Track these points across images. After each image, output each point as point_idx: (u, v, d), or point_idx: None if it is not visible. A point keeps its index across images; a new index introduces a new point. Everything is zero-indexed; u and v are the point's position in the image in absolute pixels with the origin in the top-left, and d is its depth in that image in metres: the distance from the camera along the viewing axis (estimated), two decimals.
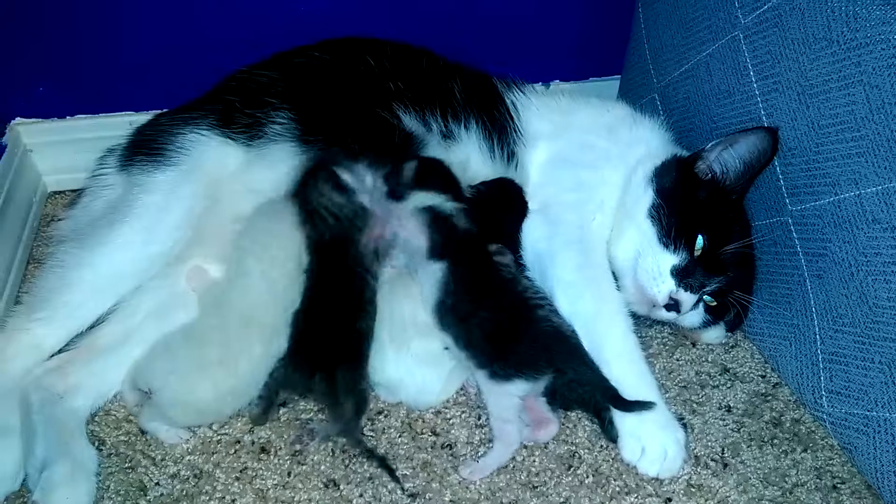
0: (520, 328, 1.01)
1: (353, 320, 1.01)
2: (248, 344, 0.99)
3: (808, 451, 1.02)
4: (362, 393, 1.00)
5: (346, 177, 1.10)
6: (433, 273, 1.06)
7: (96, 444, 0.99)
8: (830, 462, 1.01)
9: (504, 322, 1.01)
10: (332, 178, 1.09)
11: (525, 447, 1.01)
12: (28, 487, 0.91)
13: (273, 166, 1.16)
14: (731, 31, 1.15)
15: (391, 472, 0.97)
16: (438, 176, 1.13)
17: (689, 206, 1.10)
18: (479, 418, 1.05)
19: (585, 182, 1.18)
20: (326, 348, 0.98)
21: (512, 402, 1.00)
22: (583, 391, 1.01)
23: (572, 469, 0.99)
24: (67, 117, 1.45)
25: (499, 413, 1.00)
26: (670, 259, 1.07)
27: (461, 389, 1.09)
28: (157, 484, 0.96)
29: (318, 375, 0.97)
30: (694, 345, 1.19)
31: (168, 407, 0.98)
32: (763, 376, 1.14)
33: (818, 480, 0.99)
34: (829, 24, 0.97)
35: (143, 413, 1.02)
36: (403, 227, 1.10)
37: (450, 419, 1.05)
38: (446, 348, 1.05)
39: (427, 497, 0.95)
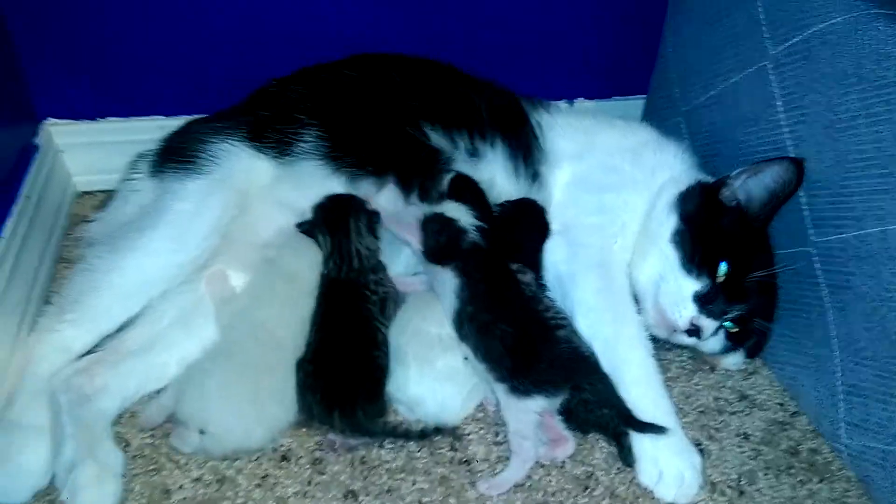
0: (540, 345, 1.02)
1: (370, 357, 1.03)
2: (287, 371, 1.01)
3: (825, 482, 1.03)
4: (383, 424, 1.02)
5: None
6: (446, 282, 1.08)
7: (122, 445, 1.01)
8: (847, 494, 1.02)
9: (525, 337, 1.02)
10: (372, 222, 1.12)
11: (542, 467, 1.02)
12: (56, 486, 0.93)
13: (302, 182, 1.18)
14: (760, 61, 1.16)
15: (449, 433, 1.03)
16: (472, 192, 1.15)
17: (712, 232, 1.11)
18: (497, 435, 1.06)
19: (608, 205, 1.20)
20: (343, 389, 1.00)
21: (530, 417, 1.01)
22: (599, 413, 1.02)
23: (588, 490, 1.00)
24: (99, 119, 1.47)
25: (517, 428, 1.01)
26: (693, 285, 1.08)
27: (479, 406, 1.11)
28: (181, 487, 0.97)
29: (337, 413, 0.99)
30: (713, 370, 1.20)
31: (217, 448, 0.98)
32: (781, 404, 1.15)
33: None
34: (860, 61, 0.98)
35: (174, 435, 1.00)
36: (408, 226, 1.13)
37: (468, 435, 1.06)
38: (466, 358, 1.06)
39: None
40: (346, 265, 1.11)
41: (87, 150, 1.47)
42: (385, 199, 1.18)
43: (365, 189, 1.19)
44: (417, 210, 1.16)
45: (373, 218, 1.14)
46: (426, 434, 1.03)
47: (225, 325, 1.09)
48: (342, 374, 1.00)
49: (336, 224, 1.13)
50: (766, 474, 1.04)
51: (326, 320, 1.06)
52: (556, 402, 1.02)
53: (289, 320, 1.07)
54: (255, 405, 0.97)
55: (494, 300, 1.06)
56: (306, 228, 1.16)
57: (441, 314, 1.09)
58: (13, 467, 0.94)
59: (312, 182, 1.17)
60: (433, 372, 1.06)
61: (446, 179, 1.16)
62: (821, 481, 1.03)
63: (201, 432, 0.96)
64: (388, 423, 1.03)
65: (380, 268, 1.14)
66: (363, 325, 1.06)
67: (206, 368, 1.00)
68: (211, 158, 1.18)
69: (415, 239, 1.12)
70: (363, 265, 1.11)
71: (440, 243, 1.10)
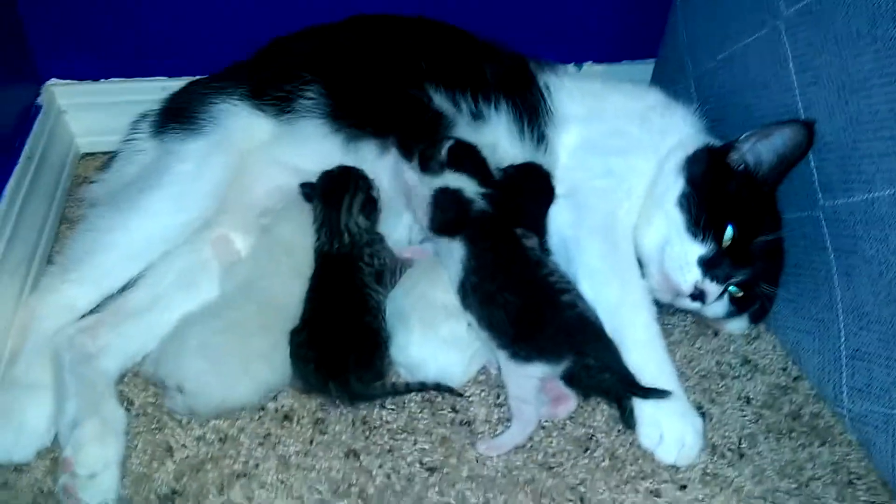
0: (545, 313, 1.02)
1: (361, 322, 1.02)
2: (280, 335, 1.01)
3: (826, 446, 1.03)
4: (381, 387, 1.02)
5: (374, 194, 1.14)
6: (453, 251, 1.08)
7: (125, 404, 1.01)
8: (847, 457, 1.02)
9: (529, 306, 1.02)
10: (367, 204, 1.12)
11: (543, 428, 1.03)
12: (59, 443, 0.94)
13: (301, 141, 1.17)
14: (773, 22, 1.14)
15: (448, 390, 1.04)
16: (471, 160, 1.14)
17: (719, 196, 1.09)
18: (498, 397, 1.06)
19: (615, 169, 1.18)
20: (336, 357, 0.99)
21: (531, 382, 1.01)
22: (601, 378, 1.02)
23: (589, 452, 1.00)
24: (102, 80, 1.46)
25: (517, 393, 1.01)
26: (698, 249, 1.07)
27: (482, 369, 1.11)
28: (183, 445, 0.98)
29: (332, 384, 0.99)
30: (716, 334, 1.19)
31: (201, 406, 0.97)
32: (784, 369, 1.14)
33: (834, 475, 0.99)
34: (874, 21, 0.95)
35: (166, 396, 1.00)
36: (416, 200, 1.13)
37: (469, 397, 1.06)
38: (469, 325, 1.06)
39: (444, 471, 0.97)
40: (336, 240, 1.11)
41: (89, 111, 1.46)
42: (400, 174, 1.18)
43: (365, 150, 1.18)
44: (424, 187, 1.15)
45: (369, 202, 1.13)
46: (425, 387, 1.03)
47: (227, 286, 1.09)
48: (333, 342, 1.00)
49: (331, 196, 1.12)
50: (766, 437, 1.04)
51: (318, 292, 1.06)
52: (559, 368, 1.01)
53: (290, 285, 1.07)
54: (236, 364, 0.98)
55: (500, 269, 1.05)
56: (307, 192, 1.15)
57: (448, 281, 1.09)
58: (17, 425, 0.95)
59: (312, 141, 1.17)
60: (436, 336, 1.06)
61: (444, 148, 1.14)
62: (822, 445, 1.03)
63: (179, 390, 0.96)
64: (385, 384, 1.03)
65: (376, 240, 1.13)
66: (355, 293, 1.05)
67: (188, 327, 1.01)
68: (211, 119, 1.17)
69: (425, 217, 1.11)
70: (354, 241, 1.10)
71: (449, 218, 1.09)
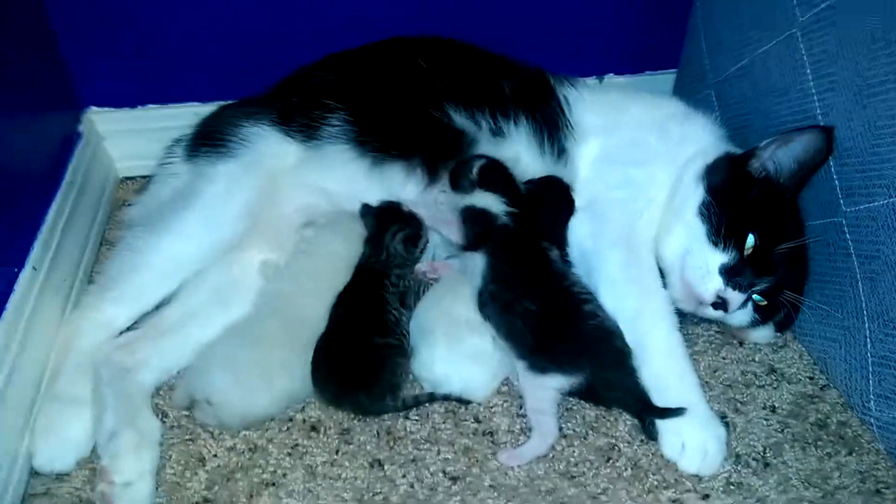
0: (565, 324, 1.03)
1: (372, 340, 1.05)
2: (304, 347, 1.05)
3: (853, 455, 1.02)
4: (392, 401, 1.04)
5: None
6: (477, 263, 1.10)
7: (160, 416, 1.05)
8: (875, 466, 1.00)
9: (548, 315, 1.03)
10: (409, 240, 1.16)
11: (565, 437, 1.03)
12: (97, 454, 0.98)
13: (328, 165, 1.21)
14: (789, 29, 1.14)
15: (459, 400, 1.06)
16: (502, 179, 1.17)
17: (740, 204, 1.09)
18: (521, 408, 1.07)
19: (634, 180, 1.19)
20: (344, 371, 1.03)
21: (549, 394, 1.02)
22: (616, 394, 1.03)
23: (611, 461, 1.01)
24: (138, 107, 1.52)
25: (534, 404, 1.02)
26: (719, 257, 1.07)
27: (505, 379, 1.12)
28: (215, 456, 1.01)
29: (345, 400, 1.03)
30: (741, 344, 1.19)
31: (227, 417, 1.02)
32: (811, 378, 1.13)
33: (861, 484, 0.98)
34: (888, 24, 0.95)
35: (196, 408, 1.04)
36: (447, 224, 1.15)
37: (492, 407, 1.08)
38: (493, 337, 1.08)
39: (467, 481, 0.98)
40: (375, 255, 1.15)
41: (127, 137, 1.52)
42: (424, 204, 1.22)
43: (390, 173, 1.22)
44: (452, 207, 1.18)
45: (412, 238, 1.17)
46: (434, 398, 1.06)
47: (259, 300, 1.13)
48: (343, 356, 1.04)
49: (383, 218, 1.17)
50: (792, 447, 1.03)
51: (343, 304, 1.10)
52: (575, 381, 1.01)
53: (318, 300, 1.10)
54: (259, 376, 1.01)
55: (518, 278, 1.07)
56: (363, 210, 1.20)
57: (471, 298, 1.11)
58: (59, 437, 1.00)
59: (338, 165, 1.21)
60: (460, 352, 1.07)
61: (476, 167, 1.17)
62: (849, 454, 1.02)
63: (208, 403, 1.00)
64: (396, 398, 1.05)
65: (406, 265, 1.17)
66: (375, 309, 1.09)
67: (217, 343, 1.05)
68: (241, 142, 1.21)
69: (456, 235, 1.15)
70: (389, 261, 1.15)
71: (477, 233, 1.12)
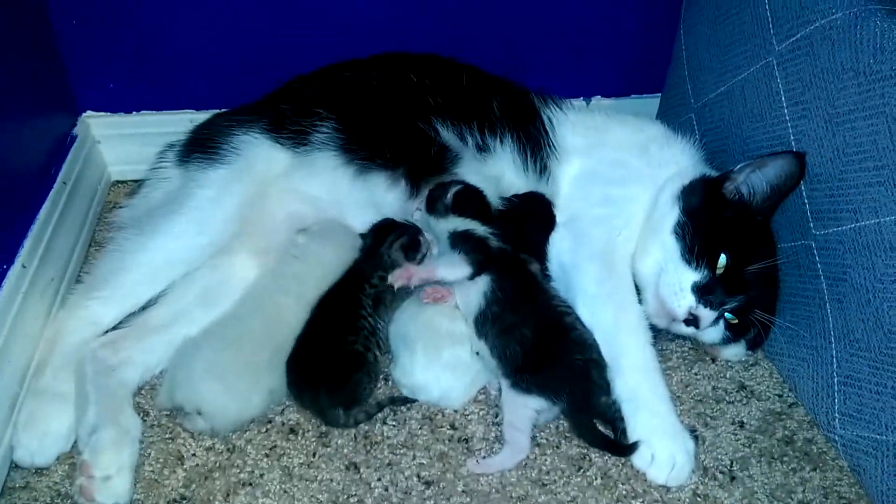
0: (556, 353, 1.05)
1: (342, 344, 1.07)
2: (284, 346, 1.07)
3: (818, 471, 1.04)
4: (351, 414, 1.06)
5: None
6: (477, 283, 1.11)
7: (141, 414, 1.07)
8: (839, 482, 1.03)
9: (542, 342, 1.05)
10: (408, 247, 1.18)
11: (538, 446, 1.06)
12: (78, 448, 1.00)
13: (316, 172, 1.24)
14: (766, 57, 1.18)
15: (405, 401, 1.09)
16: (475, 205, 1.19)
17: (714, 225, 1.13)
18: (496, 416, 1.10)
19: (614, 198, 1.23)
20: (313, 369, 1.05)
21: (527, 413, 1.04)
22: (598, 402, 1.05)
23: (582, 470, 1.03)
24: (134, 112, 1.55)
25: (512, 420, 1.05)
26: (692, 275, 1.11)
27: (482, 389, 1.14)
28: (194, 455, 1.03)
29: (306, 396, 1.05)
30: (713, 360, 1.22)
31: (220, 423, 1.03)
32: (780, 395, 1.16)
33: (824, 499, 1.01)
34: (857, 56, 0.99)
35: (182, 418, 1.05)
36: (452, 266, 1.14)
37: (468, 414, 1.10)
38: (477, 353, 1.10)
39: (441, 486, 1.00)
40: (364, 255, 1.18)
41: (122, 141, 1.55)
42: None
43: (374, 181, 1.24)
44: (424, 226, 1.21)
45: (412, 245, 1.18)
46: (395, 402, 1.09)
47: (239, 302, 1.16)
48: (311, 358, 1.06)
49: (381, 230, 1.20)
50: (759, 461, 1.05)
51: (321, 305, 1.12)
52: (555, 407, 1.05)
53: (297, 301, 1.12)
54: (246, 378, 1.03)
55: (518, 299, 1.09)
56: (363, 236, 1.23)
57: (454, 309, 1.14)
58: (41, 431, 1.01)
59: (325, 172, 1.24)
60: (439, 361, 1.10)
61: (450, 192, 1.19)
62: (813, 469, 1.04)
63: (199, 413, 1.02)
64: (349, 417, 1.06)
65: (389, 268, 1.17)
66: (350, 312, 1.11)
67: (194, 350, 1.06)
68: (233, 149, 1.24)
69: (463, 272, 1.12)
70: (376, 262, 1.17)
71: (479, 261, 1.12)
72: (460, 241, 1.15)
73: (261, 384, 1.05)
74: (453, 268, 1.12)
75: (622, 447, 1.03)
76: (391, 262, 1.16)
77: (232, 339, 1.06)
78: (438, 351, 1.10)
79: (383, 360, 1.14)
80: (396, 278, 1.12)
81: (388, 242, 1.18)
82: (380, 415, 1.09)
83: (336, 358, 1.06)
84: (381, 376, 1.14)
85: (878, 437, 0.98)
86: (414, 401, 1.11)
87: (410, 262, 1.17)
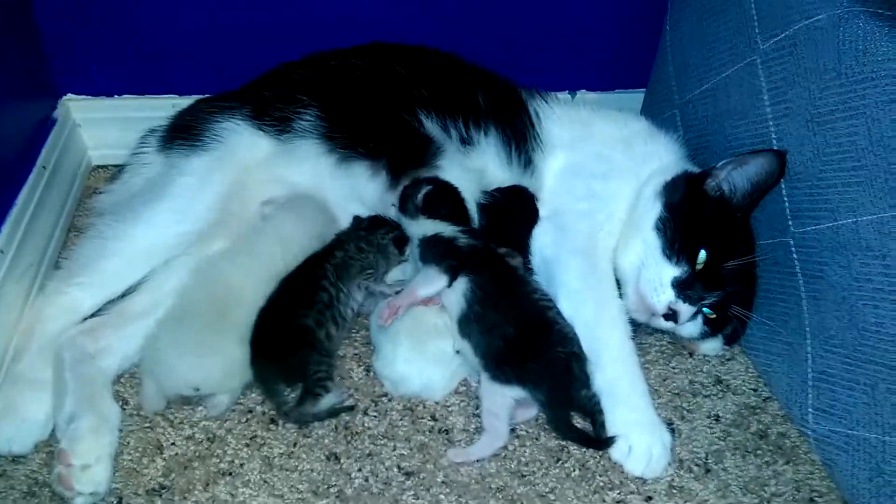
0: (536, 347, 1.05)
1: (294, 315, 1.07)
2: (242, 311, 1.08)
3: (790, 464, 1.06)
4: (282, 397, 1.06)
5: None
6: (456, 288, 1.11)
7: (120, 403, 1.07)
8: (810, 476, 1.05)
9: (523, 338, 1.06)
10: (398, 241, 1.20)
11: (517, 437, 1.07)
12: (56, 436, 0.99)
13: (298, 160, 1.24)
14: (750, 56, 1.19)
15: (349, 408, 1.08)
16: (446, 206, 1.18)
17: (694, 221, 1.14)
18: (477, 408, 1.10)
19: (597, 193, 1.23)
20: (261, 342, 1.06)
21: (506, 401, 1.05)
22: (579, 395, 1.06)
23: (560, 462, 1.04)
24: (115, 96, 1.53)
25: (490, 408, 1.05)
26: (672, 271, 1.12)
27: (463, 381, 1.15)
28: (173, 444, 1.03)
29: (255, 368, 1.06)
30: (691, 355, 1.23)
31: (221, 386, 1.05)
32: (755, 390, 1.18)
33: (796, 492, 1.03)
34: (840, 57, 1.00)
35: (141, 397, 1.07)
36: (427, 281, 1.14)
37: (449, 406, 1.11)
38: (458, 351, 1.11)
39: (421, 476, 1.01)
40: (351, 229, 1.20)
41: (103, 126, 1.53)
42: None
43: (357, 171, 1.24)
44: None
45: (400, 240, 1.19)
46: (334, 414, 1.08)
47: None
48: (263, 330, 1.07)
49: (376, 221, 1.21)
50: (733, 454, 1.07)
51: (291, 274, 1.13)
52: (534, 403, 1.06)
53: (249, 274, 1.13)
54: (207, 336, 1.04)
55: (501, 297, 1.09)
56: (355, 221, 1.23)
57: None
58: (18, 419, 1.01)
59: (307, 160, 1.24)
60: (423, 353, 1.10)
61: (421, 193, 1.17)
62: (786, 463, 1.06)
63: (197, 390, 1.03)
64: (305, 406, 1.05)
65: (375, 249, 1.18)
66: (311, 283, 1.11)
67: (154, 340, 1.07)
68: (215, 137, 1.24)
69: (441, 282, 1.12)
70: (362, 237, 1.18)
71: (452, 266, 1.12)
72: (429, 249, 1.14)
73: (229, 337, 1.05)
74: (431, 283, 1.12)
75: (598, 441, 1.04)
76: (380, 246, 1.17)
77: (181, 315, 1.07)
78: (423, 343, 1.11)
79: (341, 334, 1.14)
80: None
81: (383, 230, 1.19)
82: (360, 405, 1.10)
83: (283, 331, 1.06)
84: (336, 352, 1.13)
85: (849, 432, 1.01)
86: (351, 408, 1.09)
87: (394, 255, 1.18)
